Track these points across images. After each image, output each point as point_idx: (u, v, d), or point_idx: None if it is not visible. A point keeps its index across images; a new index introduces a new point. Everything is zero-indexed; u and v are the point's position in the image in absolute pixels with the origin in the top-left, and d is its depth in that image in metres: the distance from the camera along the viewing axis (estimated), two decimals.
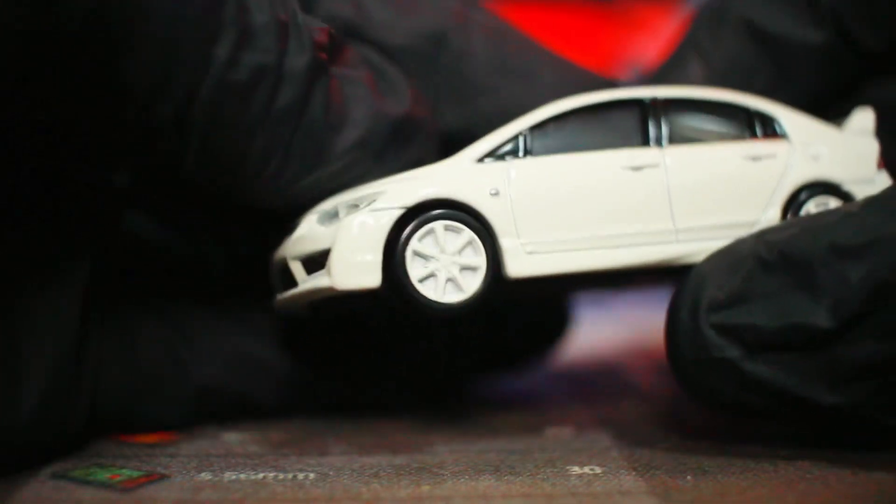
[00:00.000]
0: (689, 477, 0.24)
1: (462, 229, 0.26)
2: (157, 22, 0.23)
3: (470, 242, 0.26)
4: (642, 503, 0.22)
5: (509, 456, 0.26)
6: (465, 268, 0.26)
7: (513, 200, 0.26)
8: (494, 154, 0.27)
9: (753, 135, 0.29)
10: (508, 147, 0.27)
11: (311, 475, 0.25)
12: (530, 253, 0.26)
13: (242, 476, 0.24)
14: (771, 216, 0.27)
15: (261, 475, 0.24)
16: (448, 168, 0.27)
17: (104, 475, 0.25)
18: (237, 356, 0.31)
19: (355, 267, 0.25)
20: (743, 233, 0.26)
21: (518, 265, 0.26)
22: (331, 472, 0.25)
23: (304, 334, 0.32)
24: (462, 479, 0.24)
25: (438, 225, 0.26)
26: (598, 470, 0.25)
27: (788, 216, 0.27)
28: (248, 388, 0.31)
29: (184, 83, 0.24)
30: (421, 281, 0.25)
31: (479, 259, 0.26)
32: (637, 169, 0.27)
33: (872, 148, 0.29)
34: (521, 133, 0.28)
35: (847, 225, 0.24)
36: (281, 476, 0.24)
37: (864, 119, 0.29)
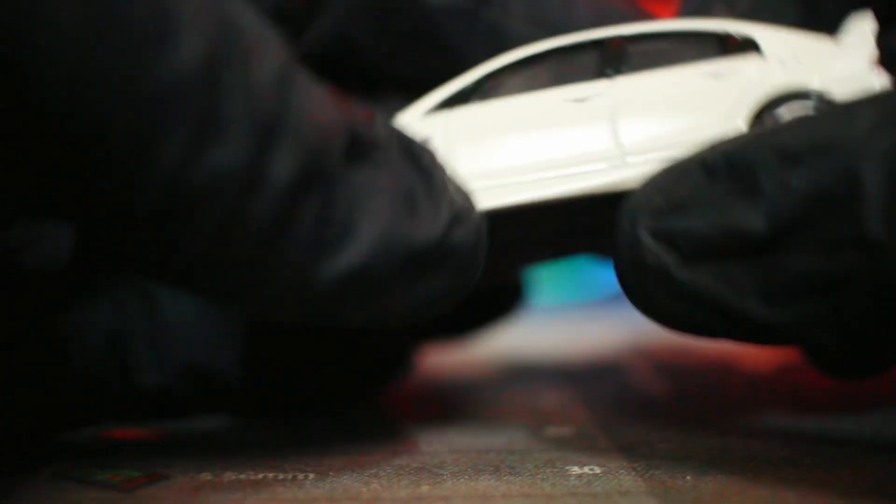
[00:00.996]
0: (688, 477, 0.24)
1: None
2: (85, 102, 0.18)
3: None
4: (642, 503, 0.22)
5: (509, 456, 0.26)
6: None
7: (448, 145, 0.26)
8: (445, 104, 0.27)
9: (726, 55, 0.27)
10: (456, 96, 0.27)
11: (311, 475, 0.25)
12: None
13: (242, 476, 0.24)
14: (734, 131, 0.25)
15: (261, 475, 0.24)
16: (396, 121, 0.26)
17: (104, 475, 0.25)
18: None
19: None
20: None
21: None
22: (330, 472, 0.25)
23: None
24: (462, 479, 0.24)
25: None
26: (597, 470, 0.25)
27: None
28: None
29: (118, 182, 0.19)
30: None
31: None
32: (580, 100, 0.26)
33: (865, 51, 0.27)
34: (470, 82, 0.27)
35: (797, 129, 0.22)
36: (281, 476, 0.24)
37: (860, 25, 0.27)
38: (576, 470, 0.25)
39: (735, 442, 0.27)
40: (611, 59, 0.27)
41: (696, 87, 0.26)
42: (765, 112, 0.26)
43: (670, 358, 0.47)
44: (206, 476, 0.24)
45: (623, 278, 0.24)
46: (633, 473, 0.24)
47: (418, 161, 0.24)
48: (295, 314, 0.22)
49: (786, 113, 0.26)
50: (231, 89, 0.19)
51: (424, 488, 0.23)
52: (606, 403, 0.35)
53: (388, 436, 0.29)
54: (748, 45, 0.27)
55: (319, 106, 0.21)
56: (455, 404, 0.35)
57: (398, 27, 0.31)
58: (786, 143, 0.22)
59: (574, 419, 0.32)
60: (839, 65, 0.26)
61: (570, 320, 0.66)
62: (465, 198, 0.25)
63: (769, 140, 0.22)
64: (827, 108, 0.23)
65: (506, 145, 0.26)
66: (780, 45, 0.27)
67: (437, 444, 0.28)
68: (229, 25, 0.20)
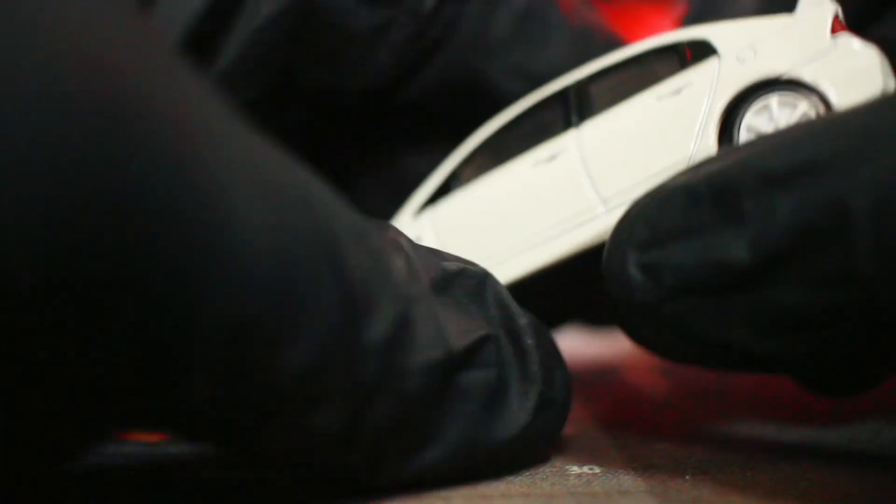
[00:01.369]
0: (687, 476, 0.24)
1: None
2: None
3: None
4: (641, 502, 0.22)
5: None
6: None
7: (439, 241, 0.26)
8: (430, 201, 0.27)
9: (683, 69, 0.26)
10: (438, 190, 0.27)
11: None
12: None
13: (242, 475, 0.24)
14: (706, 144, 0.25)
15: (260, 474, 0.25)
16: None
17: (108, 474, 0.25)
18: None
19: None
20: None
21: None
22: None
23: None
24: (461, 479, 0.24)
25: None
26: (597, 469, 0.25)
27: (736, 132, 0.25)
28: None
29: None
30: None
31: None
32: (550, 159, 0.26)
33: (823, 16, 0.25)
34: (447, 173, 0.27)
35: (781, 150, 0.21)
36: (280, 475, 0.24)
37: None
38: (575, 469, 0.25)
39: (735, 442, 0.27)
40: (574, 107, 0.27)
41: (658, 111, 0.26)
42: (734, 112, 0.25)
43: None
44: (207, 476, 0.24)
45: (615, 312, 0.24)
46: (633, 473, 0.24)
47: (518, 343, 0.25)
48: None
49: (752, 116, 0.25)
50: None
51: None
52: (606, 403, 0.35)
53: None
54: (704, 49, 0.26)
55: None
56: None
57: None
58: (769, 167, 0.21)
59: (574, 419, 0.32)
60: (799, 44, 0.25)
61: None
62: (556, 370, 0.26)
63: (753, 163, 0.21)
64: (810, 124, 0.22)
65: (492, 230, 0.26)
66: (734, 40, 0.26)
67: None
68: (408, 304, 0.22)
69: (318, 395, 0.20)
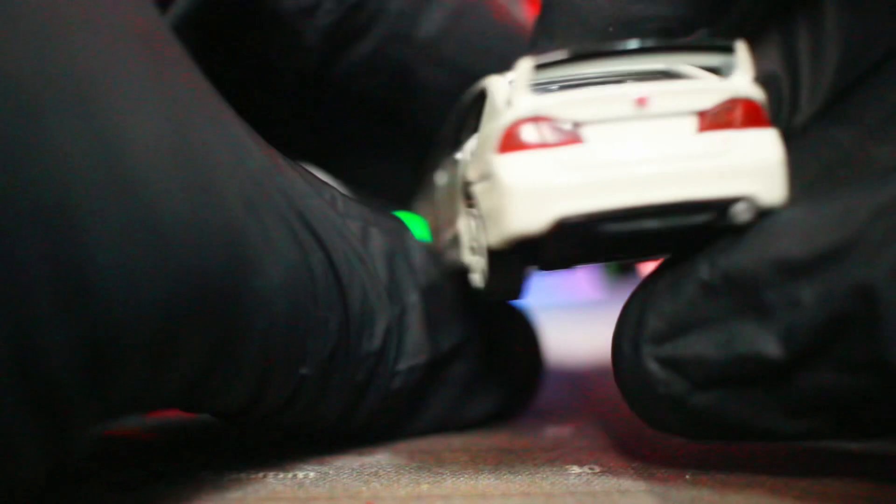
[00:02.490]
0: (687, 476, 0.24)
1: None
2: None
3: None
4: (641, 502, 0.22)
5: (508, 455, 0.26)
6: None
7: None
8: None
9: None
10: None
11: (311, 474, 0.25)
12: None
13: (242, 475, 0.24)
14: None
15: (261, 474, 0.25)
16: None
17: (104, 475, 0.25)
18: None
19: None
20: None
21: None
22: (330, 471, 0.25)
23: None
24: (461, 478, 0.24)
25: None
26: (597, 469, 0.25)
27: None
28: None
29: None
30: None
31: None
32: None
33: (747, 74, 0.25)
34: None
35: (795, 236, 0.21)
36: (281, 475, 0.24)
37: (742, 49, 0.25)
38: (575, 469, 0.25)
39: (735, 442, 0.27)
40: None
41: None
42: None
43: None
44: (207, 475, 0.24)
45: (631, 402, 0.24)
46: (633, 472, 0.24)
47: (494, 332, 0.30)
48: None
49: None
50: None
51: (424, 487, 0.23)
52: (606, 403, 0.35)
53: (388, 435, 0.29)
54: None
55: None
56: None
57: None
58: (786, 256, 0.21)
59: (574, 418, 0.32)
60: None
61: (570, 320, 0.66)
62: (523, 354, 0.32)
63: (767, 252, 0.21)
64: (813, 205, 0.22)
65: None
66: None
67: (437, 443, 0.28)
68: None
69: (320, 394, 0.25)
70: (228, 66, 0.32)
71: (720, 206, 0.22)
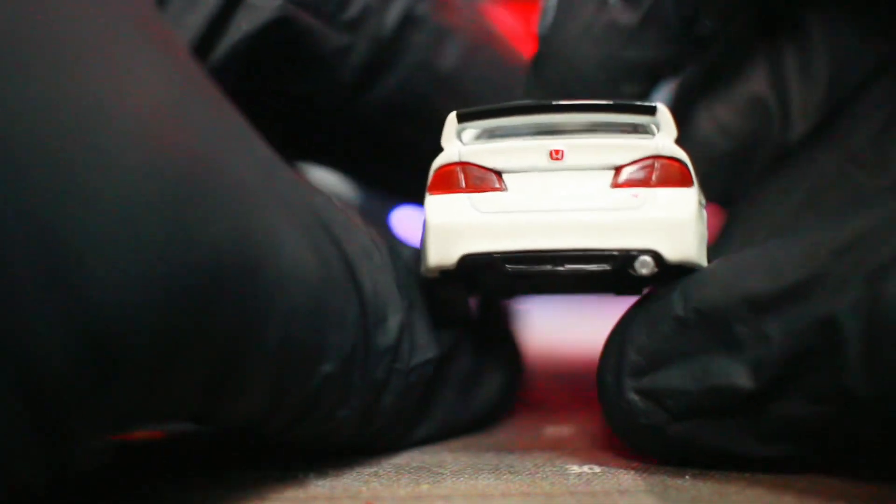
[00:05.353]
0: (687, 476, 0.24)
1: None
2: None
3: None
4: (641, 502, 0.22)
5: (508, 455, 0.26)
6: None
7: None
8: None
9: None
10: None
11: (311, 474, 0.25)
12: None
13: (243, 475, 0.24)
14: None
15: (261, 474, 0.25)
16: None
17: (105, 475, 0.25)
18: None
19: None
20: None
21: None
22: (331, 471, 0.25)
23: None
24: (461, 478, 0.24)
25: None
26: (596, 469, 0.25)
27: None
28: None
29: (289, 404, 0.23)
30: None
31: None
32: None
33: (670, 132, 0.26)
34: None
35: (762, 274, 0.23)
36: (281, 475, 0.24)
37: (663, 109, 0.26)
38: (575, 469, 0.25)
39: (712, 465, 0.27)
40: None
41: None
42: None
43: None
44: (207, 475, 0.24)
45: (615, 429, 0.26)
46: (633, 472, 0.24)
47: (493, 346, 0.31)
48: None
49: None
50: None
51: (424, 487, 0.23)
52: None
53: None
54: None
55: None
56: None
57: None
58: (754, 292, 0.22)
59: (573, 418, 0.32)
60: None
61: (570, 319, 0.66)
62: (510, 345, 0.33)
63: (737, 289, 0.23)
64: (780, 243, 0.23)
65: None
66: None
67: (437, 443, 0.28)
68: None
69: (342, 395, 0.24)
70: (266, 104, 0.33)
71: (621, 258, 0.24)
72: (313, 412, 0.23)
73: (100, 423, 0.19)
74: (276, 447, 0.27)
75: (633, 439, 0.25)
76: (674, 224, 0.24)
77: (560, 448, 0.27)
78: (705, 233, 0.26)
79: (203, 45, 0.28)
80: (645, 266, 0.24)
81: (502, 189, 0.26)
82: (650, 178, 0.25)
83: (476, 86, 0.35)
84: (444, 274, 0.26)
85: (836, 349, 0.21)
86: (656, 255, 0.24)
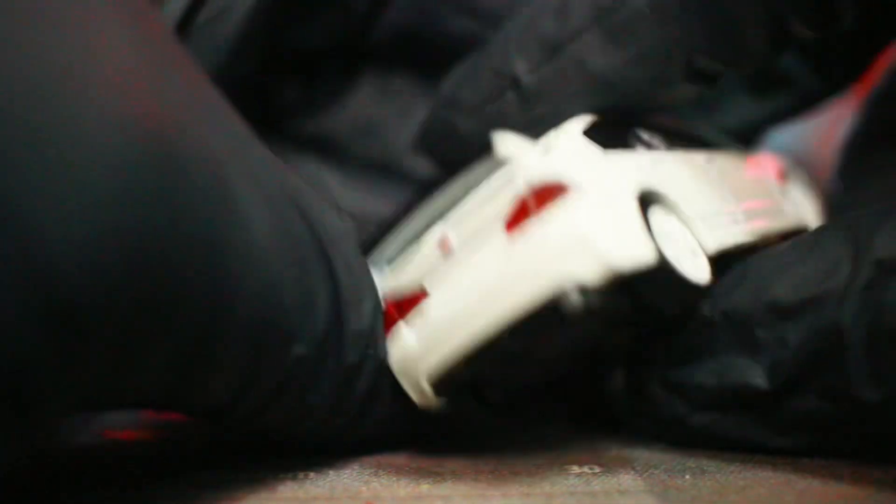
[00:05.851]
0: (687, 476, 0.24)
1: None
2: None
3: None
4: (641, 502, 0.22)
5: (508, 455, 0.26)
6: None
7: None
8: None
9: None
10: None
11: (311, 473, 0.25)
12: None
13: (242, 475, 0.24)
14: None
15: (261, 474, 0.25)
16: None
17: (104, 475, 0.25)
18: None
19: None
20: None
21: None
22: (331, 471, 0.25)
23: None
24: (461, 478, 0.24)
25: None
26: (596, 469, 0.25)
27: None
28: None
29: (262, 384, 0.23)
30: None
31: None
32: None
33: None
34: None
35: (787, 283, 0.24)
36: (281, 475, 0.24)
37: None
38: (575, 469, 0.25)
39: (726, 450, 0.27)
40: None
41: None
42: None
43: None
44: (207, 475, 0.24)
45: (633, 421, 0.27)
46: (633, 472, 0.24)
47: None
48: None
49: None
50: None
51: (424, 487, 0.23)
52: None
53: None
54: None
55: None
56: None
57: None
58: (777, 299, 0.24)
59: (573, 418, 0.32)
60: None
61: None
62: None
63: (762, 295, 0.24)
64: (796, 251, 0.25)
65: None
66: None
67: (437, 443, 0.28)
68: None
69: (313, 379, 0.24)
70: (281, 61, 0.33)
71: (550, 309, 0.22)
72: (283, 397, 0.23)
73: (65, 398, 0.18)
74: (265, 446, 0.27)
75: (654, 429, 0.27)
76: (574, 244, 0.22)
77: (560, 448, 0.27)
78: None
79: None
80: (574, 298, 0.22)
81: (428, 295, 0.25)
82: (531, 209, 0.23)
83: None
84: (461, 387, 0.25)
85: (841, 353, 0.23)
86: (575, 286, 0.22)
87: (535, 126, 0.27)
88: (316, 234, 0.24)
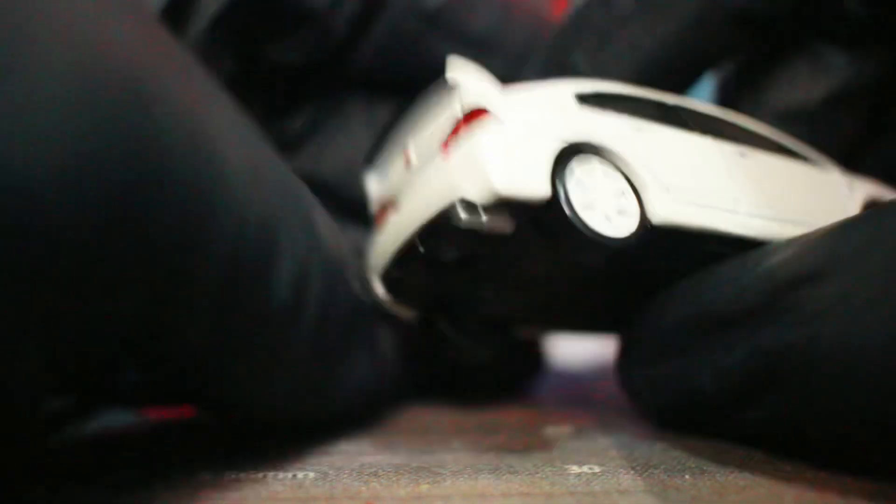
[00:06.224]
0: (686, 476, 0.24)
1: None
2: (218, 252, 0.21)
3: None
4: (640, 502, 0.22)
5: (508, 455, 0.26)
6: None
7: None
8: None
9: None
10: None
11: (311, 474, 0.25)
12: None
13: (242, 475, 0.24)
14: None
15: (261, 474, 0.25)
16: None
17: (104, 475, 0.25)
18: None
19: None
20: None
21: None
22: (330, 472, 0.25)
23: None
24: (461, 479, 0.24)
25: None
26: (596, 469, 0.25)
27: None
28: None
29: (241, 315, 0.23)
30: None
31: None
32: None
33: None
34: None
35: (727, 289, 0.25)
36: (281, 475, 0.24)
37: None
38: (575, 469, 0.25)
39: (734, 442, 0.27)
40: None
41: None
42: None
43: None
44: (206, 475, 0.24)
45: (635, 406, 0.30)
46: (632, 472, 0.24)
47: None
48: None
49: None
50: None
51: (424, 487, 0.23)
52: (606, 404, 0.35)
53: (388, 435, 0.29)
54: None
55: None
56: (454, 404, 0.36)
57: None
58: (723, 310, 0.25)
59: (573, 419, 0.32)
60: None
61: None
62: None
63: (712, 304, 0.26)
64: (745, 264, 0.26)
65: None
66: None
67: (437, 443, 0.28)
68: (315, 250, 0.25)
69: (289, 324, 0.24)
70: (261, 77, 0.33)
71: (443, 219, 0.25)
72: (256, 343, 0.23)
73: (43, 359, 0.18)
74: (270, 442, 0.27)
75: (646, 415, 0.30)
76: (471, 165, 0.25)
77: (560, 448, 0.27)
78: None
79: (181, 14, 0.29)
80: (461, 213, 0.24)
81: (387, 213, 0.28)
82: (455, 132, 0.26)
83: (466, 20, 0.35)
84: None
85: (786, 377, 0.23)
86: (463, 203, 0.25)
87: None
88: (295, 188, 0.24)
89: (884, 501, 0.22)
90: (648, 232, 0.25)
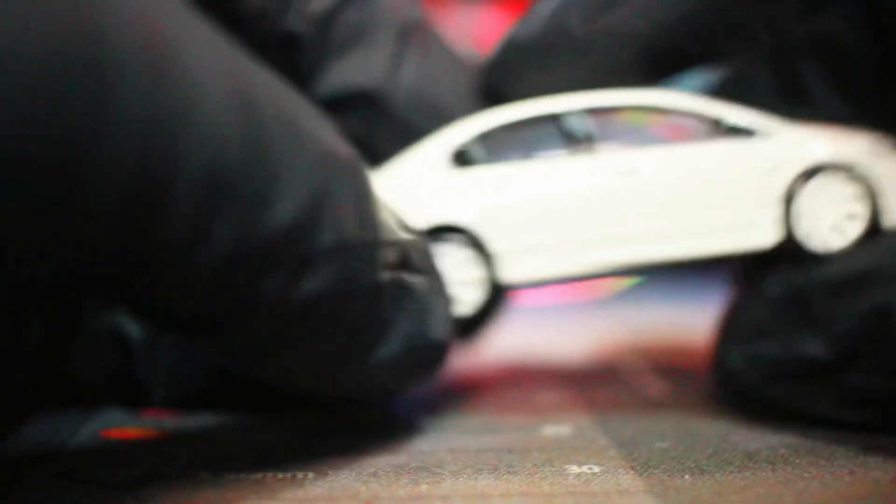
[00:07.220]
0: (687, 476, 0.24)
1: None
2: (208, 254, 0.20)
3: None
4: (640, 502, 0.22)
5: (508, 455, 0.26)
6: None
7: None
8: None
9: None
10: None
11: (310, 474, 0.25)
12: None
13: (242, 475, 0.24)
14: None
15: (260, 474, 0.25)
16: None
17: (103, 475, 0.25)
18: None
19: None
20: None
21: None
22: (329, 471, 0.25)
23: None
24: (460, 479, 0.24)
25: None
26: (596, 469, 0.25)
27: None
28: None
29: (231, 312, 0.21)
30: None
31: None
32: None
33: None
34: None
35: (840, 262, 0.27)
36: (280, 475, 0.24)
37: None
38: (574, 469, 0.25)
39: (734, 442, 0.27)
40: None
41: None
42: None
43: (669, 358, 0.47)
44: (206, 475, 0.24)
45: (722, 390, 0.32)
46: (632, 472, 0.24)
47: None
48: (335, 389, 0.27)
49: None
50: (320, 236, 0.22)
51: (423, 487, 0.23)
52: (605, 403, 0.35)
53: (388, 435, 0.29)
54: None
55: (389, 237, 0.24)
56: (454, 404, 0.35)
57: None
58: (830, 277, 0.27)
59: (573, 419, 0.32)
60: None
61: (570, 320, 0.66)
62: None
63: (819, 274, 0.27)
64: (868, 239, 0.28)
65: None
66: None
67: (437, 443, 0.28)
68: (322, 187, 0.22)
69: (304, 259, 0.21)
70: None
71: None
72: (233, 274, 0.20)
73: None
74: (270, 442, 0.27)
75: (736, 396, 0.30)
76: None
77: (560, 448, 0.27)
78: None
79: None
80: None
81: None
82: None
83: (356, 61, 0.33)
84: None
85: (890, 330, 0.24)
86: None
87: (580, 78, 0.30)
88: (286, 108, 0.22)
89: (885, 500, 0.22)
90: (498, 294, 0.28)
